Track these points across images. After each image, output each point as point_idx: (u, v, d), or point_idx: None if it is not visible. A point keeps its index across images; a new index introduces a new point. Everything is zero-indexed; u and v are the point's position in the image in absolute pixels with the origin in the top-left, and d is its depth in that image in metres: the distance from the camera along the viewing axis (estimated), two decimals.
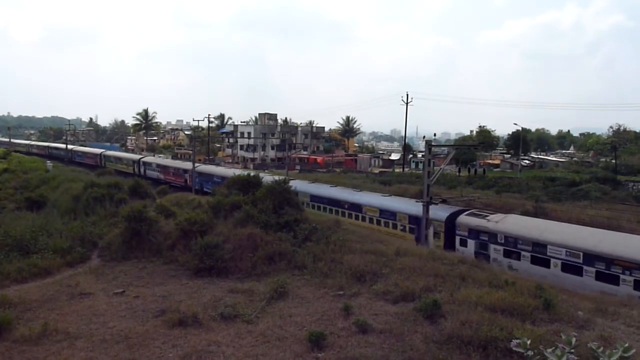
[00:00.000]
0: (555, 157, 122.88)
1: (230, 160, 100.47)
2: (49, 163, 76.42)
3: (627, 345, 3.43)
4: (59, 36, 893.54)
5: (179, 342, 13.69)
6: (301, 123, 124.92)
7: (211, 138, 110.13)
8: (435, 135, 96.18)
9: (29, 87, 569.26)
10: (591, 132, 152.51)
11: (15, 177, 55.89)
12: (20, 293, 17.73)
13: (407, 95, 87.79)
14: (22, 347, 13.49)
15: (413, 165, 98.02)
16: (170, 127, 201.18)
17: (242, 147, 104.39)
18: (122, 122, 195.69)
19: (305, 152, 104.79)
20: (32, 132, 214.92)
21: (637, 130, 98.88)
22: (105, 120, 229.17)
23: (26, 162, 75.72)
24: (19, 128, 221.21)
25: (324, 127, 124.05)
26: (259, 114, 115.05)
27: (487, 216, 27.38)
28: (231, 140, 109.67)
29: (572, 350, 3.50)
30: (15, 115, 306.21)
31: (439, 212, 28.85)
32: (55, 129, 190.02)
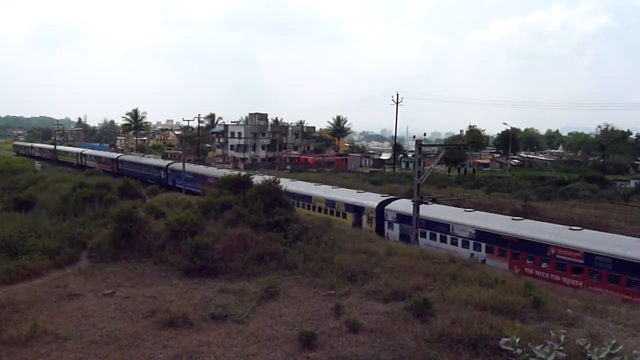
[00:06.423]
0: (544, 156, 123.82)
1: (221, 161, 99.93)
2: (37, 164, 75.55)
3: (614, 342, 3.46)
4: (47, 34, 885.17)
5: (170, 343, 13.63)
6: (292, 123, 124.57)
7: (201, 138, 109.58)
8: (425, 134, 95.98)
9: (17, 87, 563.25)
10: (580, 132, 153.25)
11: (3, 177, 55.30)
12: (8, 294, 17.55)
13: (397, 95, 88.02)
14: (11, 348, 13.36)
15: (403, 165, 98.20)
16: (160, 127, 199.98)
17: (232, 147, 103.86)
18: (112, 122, 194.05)
19: (295, 152, 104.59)
20: (20, 132, 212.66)
21: (625, 130, 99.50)
22: (94, 120, 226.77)
23: (14, 162, 74.97)
24: (7, 128, 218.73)
25: (314, 127, 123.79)
26: (250, 113, 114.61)
27: None
28: (221, 140, 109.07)
29: (561, 348, 3.53)
30: (3, 115, 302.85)
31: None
32: (44, 129, 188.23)
